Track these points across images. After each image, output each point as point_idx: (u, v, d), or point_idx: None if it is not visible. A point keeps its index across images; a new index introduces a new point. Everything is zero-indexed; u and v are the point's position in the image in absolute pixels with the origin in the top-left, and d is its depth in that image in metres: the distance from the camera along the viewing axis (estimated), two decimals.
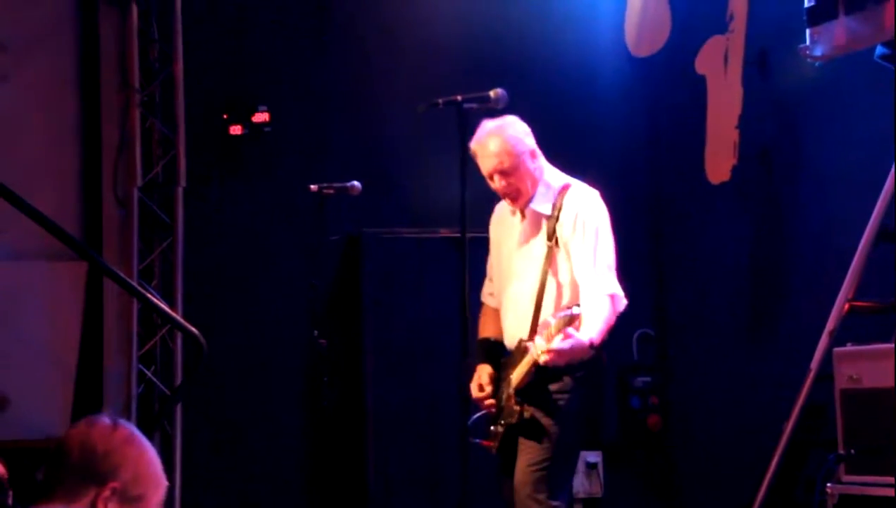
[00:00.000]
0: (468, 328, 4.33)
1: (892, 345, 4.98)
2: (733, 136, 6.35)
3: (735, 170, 6.35)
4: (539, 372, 4.26)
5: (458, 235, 4.33)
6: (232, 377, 5.87)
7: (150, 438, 5.68)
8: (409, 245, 5.97)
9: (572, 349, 4.11)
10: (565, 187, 4.44)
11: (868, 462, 4.55)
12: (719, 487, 6.19)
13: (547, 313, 4.31)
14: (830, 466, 4.63)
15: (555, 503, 4.27)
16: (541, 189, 4.43)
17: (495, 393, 4.41)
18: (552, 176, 4.49)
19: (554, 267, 4.36)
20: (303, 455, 5.88)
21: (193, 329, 5.49)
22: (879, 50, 4.66)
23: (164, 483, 2.43)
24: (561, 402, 4.33)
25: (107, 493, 2.33)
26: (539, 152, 4.47)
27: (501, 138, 4.36)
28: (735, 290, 6.39)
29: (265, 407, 5.92)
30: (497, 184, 4.42)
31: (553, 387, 4.32)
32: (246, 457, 5.89)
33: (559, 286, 4.36)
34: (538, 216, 4.43)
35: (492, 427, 4.43)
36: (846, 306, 5.38)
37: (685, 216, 6.56)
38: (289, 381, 5.91)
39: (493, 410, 4.42)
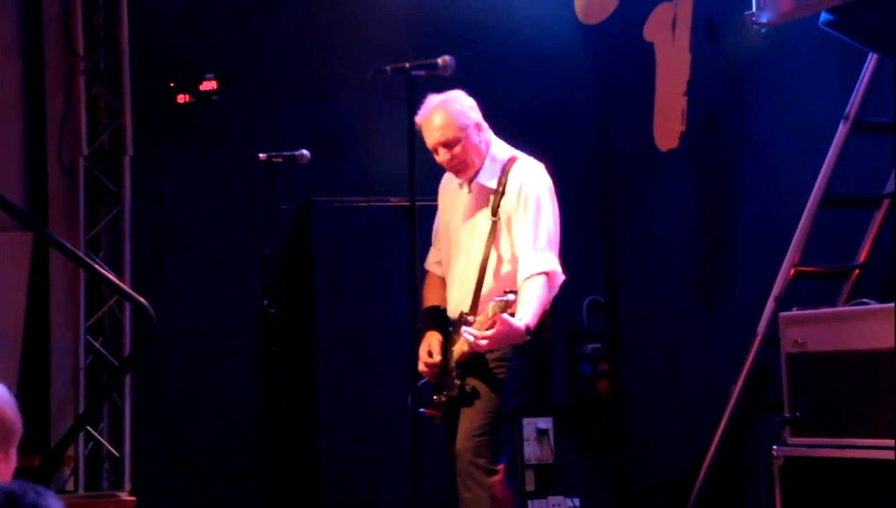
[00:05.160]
0: (418, 296, 4.34)
1: (837, 309, 5.04)
2: (681, 103, 6.38)
3: (683, 137, 6.38)
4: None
5: (409, 203, 4.32)
6: (181, 347, 5.84)
7: (99, 410, 5.69)
8: (359, 214, 5.96)
9: (507, 336, 4.13)
10: (511, 160, 4.45)
11: (812, 424, 4.62)
12: (669, 451, 6.26)
13: (489, 288, 4.34)
14: (776, 429, 4.69)
15: (497, 467, 4.31)
16: (487, 163, 4.43)
17: (443, 361, 4.43)
18: (498, 149, 4.49)
19: (497, 242, 4.37)
20: (253, 425, 5.86)
21: (142, 300, 5.45)
22: (824, 17, 4.69)
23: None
24: (500, 372, 4.35)
25: None
26: (485, 126, 4.46)
27: (446, 112, 4.36)
28: (683, 256, 6.45)
29: (215, 378, 5.90)
30: (442, 157, 4.42)
31: (491, 356, 4.33)
32: (196, 428, 5.86)
33: (500, 261, 4.37)
34: (484, 190, 4.43)
35: (434, 397, 4.45)
36: (792, 271, 5.45)
37: (634, 183, 6.60)
38: (239, 351, 5.89)
39: (437, 379, 4.44)
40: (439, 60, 4.30)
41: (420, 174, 4.40)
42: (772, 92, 6.11)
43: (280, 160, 4.99)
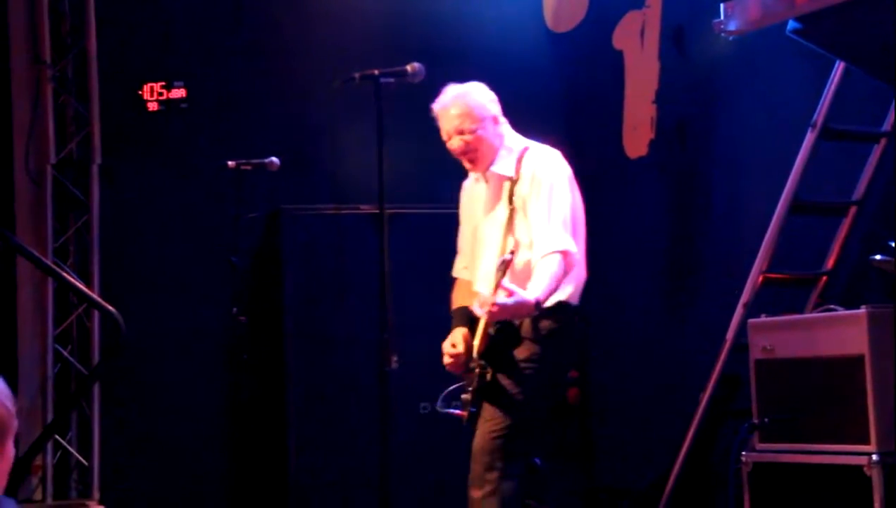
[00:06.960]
0: (388, 304, 4.31)
1: (805, 316, 5.07)
2: (650, 111, 6.40)
3: (652, 145, 6.41)
4: (499, 334, 4.25)
5: (378, 211, 4.31)
6: (150, 355, 5.81)
7: (68, 419, 5.64)
8: (328, 221, 5.95)
9: (516, 306, 4.12)
10: (525, 149, 4.48)
11: (781, 430, 4.64)
12: (638, 458, 6.27)
13: (510, 276, 4.26)
14: (744, 435, 4.71)
15: (511, 472, 4.23)
16: (502, 153, 4.45)
17: (468, 358, 4.37)
18: (513, 141, 4.51)
19: (514, 229, 4.35)
20: (223, 433, 5.84)
21: (110, 308, 5.42)
22: (791, 25, 4.71)
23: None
24: (528, 371, 4.27)
25: None
26: (503, 119, 4.50)
27: (465, 102, 4.39)
28: (653, 263, 6.47)
29: (184, 386, 5.88)
30: (455, 144, 4.40)
31: (520, 356, 4.27)
32: (165, 437, 5.84)
33: (519, 247, 4.34)
34: (500, 179, 4.43)
35: (463, 396, 4.36)
36: (760, 277, 5.48)
37: (603, 191, 6.60)
38: (208, 359, 5.87)
39: (464, 375, 4.36)
40: (408, 67, 4.30)
41: (389, 182, 4.39)
42: (740, 100, 6.14)
43: (249, 168, 4.98)
